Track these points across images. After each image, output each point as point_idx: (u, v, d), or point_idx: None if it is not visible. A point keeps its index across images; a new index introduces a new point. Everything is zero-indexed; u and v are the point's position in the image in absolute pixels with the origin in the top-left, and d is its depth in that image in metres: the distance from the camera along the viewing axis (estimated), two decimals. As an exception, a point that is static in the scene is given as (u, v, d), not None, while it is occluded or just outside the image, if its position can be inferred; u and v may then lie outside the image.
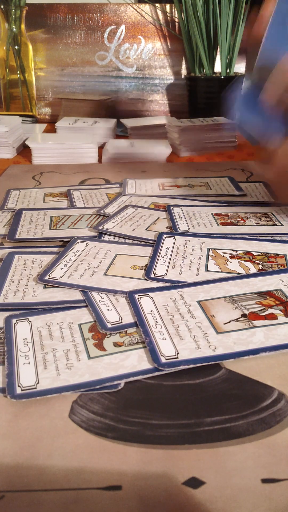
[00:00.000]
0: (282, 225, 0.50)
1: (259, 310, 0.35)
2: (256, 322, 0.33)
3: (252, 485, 0.22)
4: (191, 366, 0.29)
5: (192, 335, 0.32)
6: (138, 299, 0.36)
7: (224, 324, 0.33)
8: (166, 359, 0.29)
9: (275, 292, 0.37)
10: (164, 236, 0.46)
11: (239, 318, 0.34)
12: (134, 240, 0.47)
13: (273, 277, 0.39)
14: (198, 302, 0.36)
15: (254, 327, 0.33)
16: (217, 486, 0.22)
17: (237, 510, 0.21)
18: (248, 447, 0.24)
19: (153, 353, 0.30)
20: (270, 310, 0.35)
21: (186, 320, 0.33)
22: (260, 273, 0.40)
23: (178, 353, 0.30)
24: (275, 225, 0.50)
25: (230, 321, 0.33)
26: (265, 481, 0.23)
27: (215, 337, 0.32)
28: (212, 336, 0.32)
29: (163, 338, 0.31)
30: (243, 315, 0.34)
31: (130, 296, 0.36)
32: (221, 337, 0.32)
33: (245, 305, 0.35)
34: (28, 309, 0.36)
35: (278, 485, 0.22)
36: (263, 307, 0.35)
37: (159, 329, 0.32)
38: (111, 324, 0.33)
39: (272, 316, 0.34)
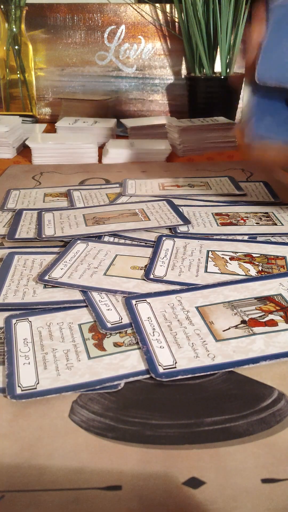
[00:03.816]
0: (282, 224, 0.50)
1: (259, 316, 0.34)
2: (256, 329, 0.33)
3: (252, 485, 0.22)
4: (189, 376, 0.29)
5: (191, 343, 0.31)
6: (135, 305, 0.35)
7: (223, 331, 0.33)
8: (164, 369, 0.29)
9: (275, 297, 0.36)
10: (164, 238, 0.46)
11: (239, 324, 0.33)
12: (134, 241, 0.47)
13: (273, 281, 0.38)
14: (197, 308, 0.35)
15: (254, 334, 0.32)
16: (217, 486, 0.22)
17: (237, 510, 0.21)
18: (248, 447, 0.24)
19: (150, 363, 0.30)
20: (270, 316, 0.34)
21: (184, 327, 0.33)
22: (259, 277, 0.39)
23: (176, 362, 0.30)
24: (276, 224, 0.50)
25: (229, 328, 0.33)
26: (265, 481, 0.23)
27: (214, 345, 0.31)
28: (211, 344, 0.31)
29: (160, 347, 0.31)
30: (243, 322, 0.34)
31: (127, 302, 0.36)
32: (220, 345, 0.31)
33: (244, 311, 0.35)
34: (28, 309, 0.36)
35: (278, 485, 0.22)
36: (263, 313, 0.34)
37: (156, 336, 0.32)
38: (111, 324, 0.33)
39: (273, 323, 0.33)
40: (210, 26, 1.00)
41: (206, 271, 0.40)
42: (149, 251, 0.44)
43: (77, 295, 0.37)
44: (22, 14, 1.03)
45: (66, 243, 0.46)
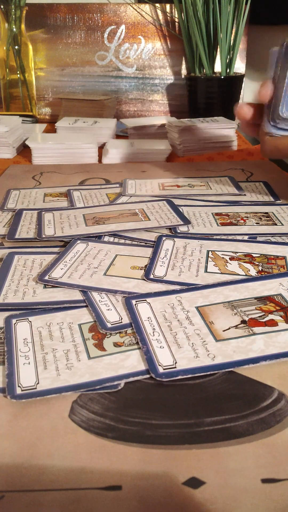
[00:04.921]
0: (282, 224, 0.50)
1: (259, 316, 0.34)
2: (256, 329, 0.33)
3: (252, 485, 0.22)
4: (189, 376, 0.29)
5: (191, 343, 0.31)
6: (135, 305, 0.35)
7: (223, 331, 0.33)
8: (164, 369, 0.29)
9: (275, 297, 0.36)
10: (164, 238, 0.46)
11: (239, 324, 0.33)
12: (134, 241, 0.47)
13: (273, 281, 0.38)
14: (197, 308, 0.35)
15: (254, 334, 0.32)
16: (217, 486, 0.22)
17: (237, 510, 0.21)
18: (248, 447, 0.24)
19: (150, 363, 0.30)
20: (270, 316, 0.34)
21: (184, 327, 0.33)
22: (259, 277, 0.39)
23: (176, 362, 0.30)
24: (276, 224, 0.50)
25: (229, 328, 0.33)
26: (265, 481, 0.23)
27: (214, 345, 0.31)
28: (211, 344, 0.31)
29: (160, 347, 0.31)
30: (243, 322, 0.34)
31: (127, 302, 0.36)
32: (220, 345, 0.31)
33: (244, 311, 0.35)
34: (28, 309, 0.36)
35: (278, 485, 0.22)
36: (263, 313, 0.34)
37: (156, 336, 0.32)
38: (111, 324, 0.33)
39: (272, 323, 0.33)
40: (210, 26, 1.00)
41: (206, 271, 0.40)
42: (149, 251, 0.44)
43: (77, 295, 0.37)
44: (22, 14, 1.03)
45: (66, 243, 0.46)
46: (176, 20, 1.10)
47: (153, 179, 0.67)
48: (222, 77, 1.01)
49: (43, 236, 0.47)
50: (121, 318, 0.34)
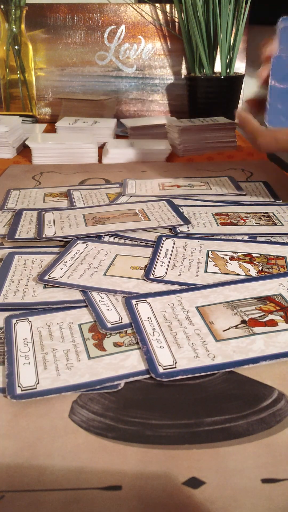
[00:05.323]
0: (282, 224, 0.50)
1: (259, 316, 0.34)
2: (256, 329, 0.33)
3: (252, 485, 0.22)
4: (189, 376, 0.29)
5: (191, 343, 0.31)
6: (135, 305, 0.35)
7: (223, 331, 0.33)
8: (164, 369, 0.29)
9: (275, 297, 0.36)
10: (164, 238, 0.46)
11: (239, 324, 0.33)
12: (134, 241, 0.47)
13: (273, 281, 0.38)
14: (197, 308, 0.35)
15: (254, 334, 0.32)
16: (217, 486, 0.22)
17: (237, 510, 0.21)
18: (248, 447, 0.24)
19: (150, 363, 0.30)
20: (270, 316, 0.34)
21: (184, 327, 0.33)
22: (259, 277, 0.39)
23: (176, 362, 0.30)
24: (276, 224, 0.50)
25: (229, 328, 0.33)
26: (265, 481, 0.23)
27: (214, 345, 0.31)
28: (211, 344, 0.31)
29: (160, 347, 0.31)
30: (243, 322, 0.34)
31: (127, 302, 0.36)
32: (220, 345, 0.31)
33: (244, 311, 0.35)
34: (28, 309, 0.36)
35: (278, 485, 0.22)
36: (263, 313, 0.34)
37: (156, 336, 0.32)
38: (111, 324, 0.33)
39: (272, 323, 0.33)
40: (210, 26, 1.00)
41: (206, 271, 0.40)
42: (149, 251, 0.44)
43: (77, 295, 0.37)
44: (22, 14, 1.03)
45: (66, 243, 0.46)
46: (176, 20, 1.10)
47: (153, 179, 0.67)
48: (222, 77, 1.01)
49: (43, 236, 0.47)
50: (121, 318, 0.34)
